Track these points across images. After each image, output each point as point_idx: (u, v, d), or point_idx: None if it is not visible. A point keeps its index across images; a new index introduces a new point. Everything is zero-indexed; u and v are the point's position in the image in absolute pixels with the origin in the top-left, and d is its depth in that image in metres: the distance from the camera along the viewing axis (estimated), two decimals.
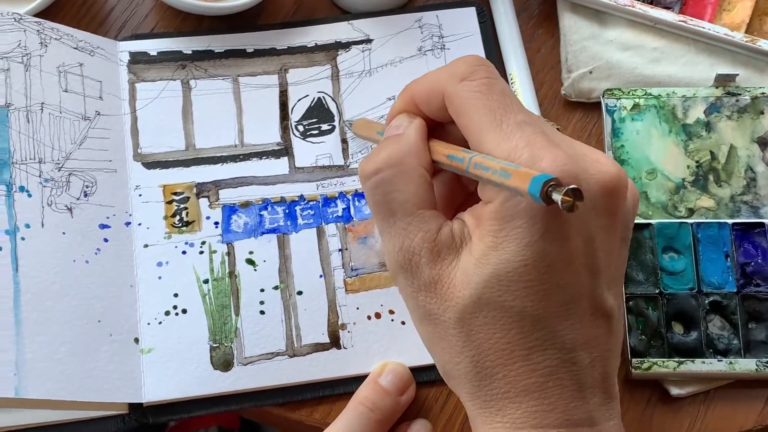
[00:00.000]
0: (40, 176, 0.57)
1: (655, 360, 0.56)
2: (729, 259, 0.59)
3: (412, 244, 0.42)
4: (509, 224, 0.39)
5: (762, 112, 0.61)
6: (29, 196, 0.56)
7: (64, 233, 0.57)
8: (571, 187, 0.36)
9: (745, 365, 0.56)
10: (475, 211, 0.42)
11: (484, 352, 0.41)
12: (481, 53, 0.65)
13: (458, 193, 0.48)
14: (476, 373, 0.42)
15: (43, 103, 0.59)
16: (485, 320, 0.41)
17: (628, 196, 0.43)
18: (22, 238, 0.55)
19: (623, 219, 0.43)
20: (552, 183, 0.36)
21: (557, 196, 0.36)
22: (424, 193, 0.43)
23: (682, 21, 0.63)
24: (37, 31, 0.60)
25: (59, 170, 0.58)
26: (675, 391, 0.57)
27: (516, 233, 0.39)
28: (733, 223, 0.59)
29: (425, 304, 0.43)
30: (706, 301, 0.58)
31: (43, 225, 0.56)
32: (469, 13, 0.66)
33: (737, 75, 0.62)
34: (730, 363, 0.56)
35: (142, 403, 0.56)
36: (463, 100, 0.42)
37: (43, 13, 0.62)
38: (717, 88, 0.62)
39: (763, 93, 0.62)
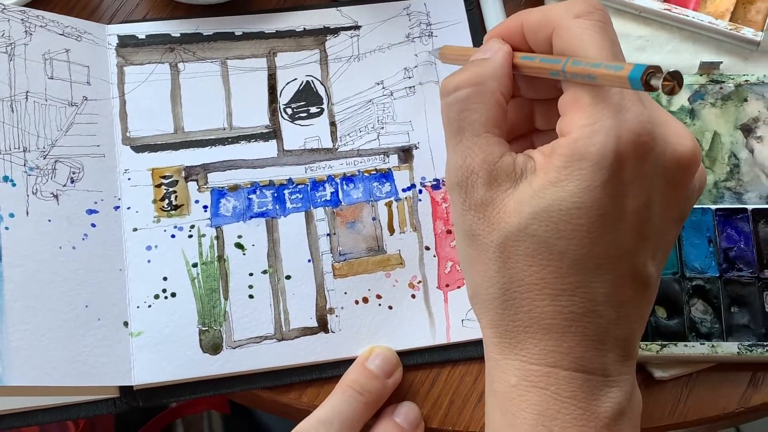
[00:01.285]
0: (24, 165, 0.54)
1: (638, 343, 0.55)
2: (712, 244, 0.56)
3: (473, 163, 0.41)
4: (575, 164, 0.38)
5: (745, 100, 0.59)
6: (13, 185, 0.53)
7: (49, 220, 0.53)
8: (671, 70, 0.35)
9: (727, 348, 0.54)
10: (545, 149, 0.40)
11: (516, 282, 0.40)
12: (469, 41, 0.62)
13: (522, 125, 0.48)
14: (503, 301, 0.41)
15: (27, 91, 0.55)
16: (525, 251, 0.39)
17: (696, 176, 0.41)
18: (6, 228, 0.52)
19: (686, 196, 0.41)
20: (651, 71, 0.35)
21: (657, 82, 0.35)
22: (496, 117, 0.42)
23: (667, 9, 0.61)
24: (21, 19, 0.57)
25: (45, 158, 0.54)
26: (658, 374, 0.55)
27: (578, 174, 0.38)
28: (716, 209, 0.57)
29: (471, 224, 0.41)
30: (689, 286, 0.56)
31: (27, 213, 0.53)
32: (457, 1, 0.63)
33: (721, 63, 0.59)
34: (713, 346, 0.54)
35: (132, 387, 0.53)
36: (574, 35, 0.40)
37: (34, 4, 0.58)
38: (701, 75, 0.60)
39: (746, 80, 0.59)
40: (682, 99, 0.59)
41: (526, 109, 0.48)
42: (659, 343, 0.54)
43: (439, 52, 0.57)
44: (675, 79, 0.35)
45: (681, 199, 0.41)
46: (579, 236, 0.39)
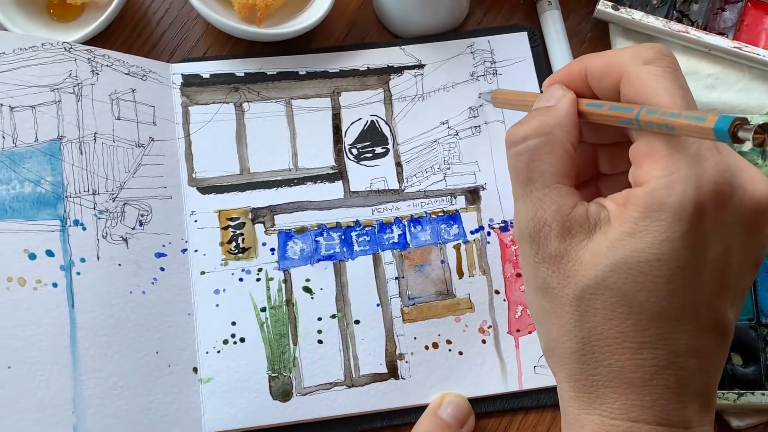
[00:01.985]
0: (94, 208, 0.53)
1: None
2: None
3: (545, 215, 0.40)
4: (653, 214, 0.37)
5: None
6: (84, 229, 0.52)
7: (119, 265, 0.53)
8: (761, 123, 0.34)
9: None
10: (618, 197, 0.39)
11: (595, 336, 0.39)
12: (533, 78, 0.61)
13: (587, 170, 0.46)
14: (582, 355, 0.39)
15: (95, 132, 0.55)
16: (604, 304, 0.38)
17: None
18: (78, 273, 0.51)
19: (763, 241, 0.40)
20: (739, 122, 0.34)
21: (745, 134, 0.33)
22: (566, 167, 0.41)
23: (737, 47, 0.60)
24: (88, 59, 0.56)
25: (114, 200, 0.54)
26: (735, 423, 0.54)
27: (657, 225, 0.37)
28: None
29: (545, 277, 0.40)
30: (765, 332, 0.54)
31: (98, 258, 0.52)
32: (521, 38, 0.62)
33: None
34: None
35: None
36: (644, 82, 0.39)
37: (94, 40, 0.58)
38: None
39: None
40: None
41: (589, 154, 0.47)
42: (736, 392, 0.53)
43: (492, 96, 0.55)
44: (766, 132, 0.34)
45: (758, 245, 0.40)
46: (659, 288, 0.37)
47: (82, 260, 0.51)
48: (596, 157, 0.47)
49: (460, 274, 0.56)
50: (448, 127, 0.60)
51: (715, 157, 0.37)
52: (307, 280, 0.55)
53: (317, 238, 0.56)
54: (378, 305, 0.55)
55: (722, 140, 0.34)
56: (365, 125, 0.60)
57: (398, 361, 0.54)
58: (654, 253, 0.37)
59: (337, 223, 0.57)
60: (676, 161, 0.37)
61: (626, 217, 0.38)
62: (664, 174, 0.37)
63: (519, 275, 0.56)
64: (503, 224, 0.57)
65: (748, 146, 0.58)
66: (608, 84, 0.42)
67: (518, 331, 0.55)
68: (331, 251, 0.56)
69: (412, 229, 0.57)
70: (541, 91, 0.45)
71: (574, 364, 0.40)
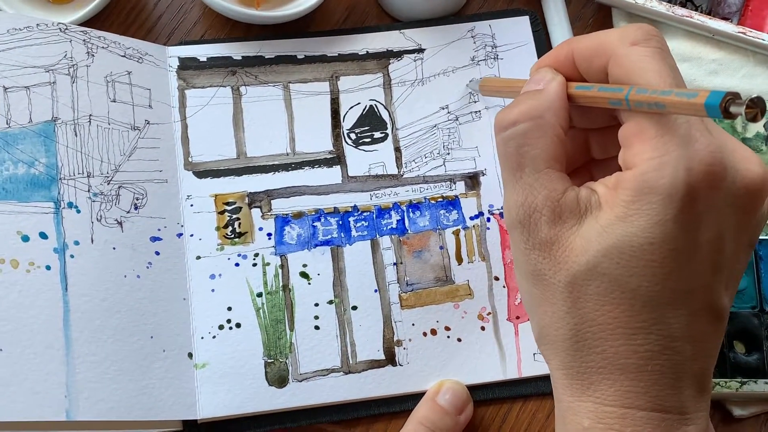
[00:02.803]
0: (89, 191, 0.52)
1: (717, 380, 0.52)
2: None
3: (535, 200, 0.39)
4: (644, 197, 0.36)
5: None
6: (78, 212, 0.51)
7: (114, 248, 0.52)
8: (753, 96, 0.32)
9: None
10: (609, 181, 0.38)
11: (588, 323, 0.38)
12: (535, 62, 0.60)
13: (579, 156, 0.45)
14: (574, 342, 0.38)
15: (90, 114, 0.53)
16: (597, 290, 0.37)
17: (765, 202, 0.39)
18: (71, 256, 0.50)
19: (756, 222, 0.39)
20: (730, 97, 0.32)
21: (737, 108, 0.32)
22: (556, 152, 0.40)
23: (741, 32, 0.58)
24: (84, 40, 0.55)
25: (108, 183, 0.53)
26: (738, 411, 0.52)
27: (648, 208, 0.36)
28: None
29: (536, 263, 0.39)
30: None
31: (92, 241, 0.51)
32: (523, 22, 0.61)
33: None
34: None
35: (196, 420, 0.51)
36: (633, 63, 0.38)
37: (90, 22, 0.56)
38: None
39: None
40: (758, 125, 0.57)
41: (580, 139, 0.46)
42: (739, 380, 0.52)
43: (479, 85, 0.54)
44: (758, 106, 0.33)
45: (751, 226, 0.39)
46: (652, 272, 0.36)
47: (76, 243, 0.50)
48: (587, 142, 0.46)
49: (459, 260, 0.55)
50: (448, 112, 0.58)
51: (706, 137, 0.36)
52: (304, 266, 0.54)
53: (314, 223, 0.55)
54: (376, 291, 0.54)
55: (714, 116, 0.33)
56: (364, 110, 0.58)
57: (396, 347, 0.53)
58: (646, 237, 0.36)
59: (334, 208, 0.56)
60: (666, 142, 0.36)
61: (617, 201, 0.37)
62: (654, 156, 0.36)
63: None
64: (503, 210, 0.56)
65: (751, 132, 0.57)
66: (597, 66, 0.41)
67: (518, 318, 0.54)
68: (329, 236, 0.55)
69: (411, 214, 0.56)
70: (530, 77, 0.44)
71: (567, 351, 0.39)
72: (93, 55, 0.55)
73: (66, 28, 0.55)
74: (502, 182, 0.56)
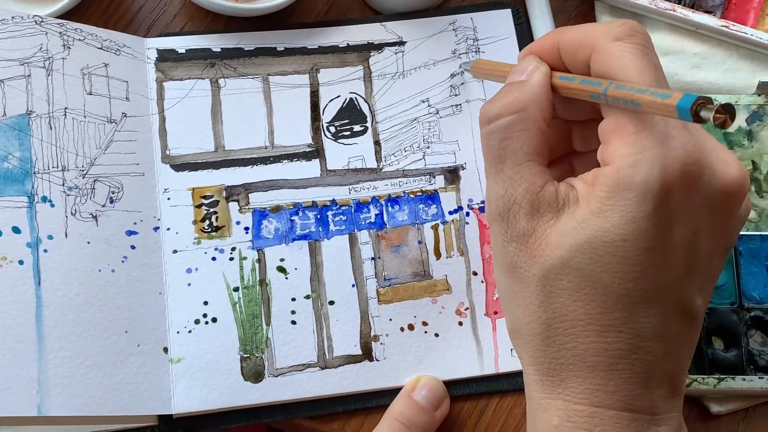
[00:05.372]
0: (63, 185, 0.51)
1: (695, 377, 0.51)
2: None
3: (515, 193, 0.38)
4: (619, 194, 0.35)
5: None
6: (52, 206, 0.50)
7: (88, 242, 0.50)
8: (723, 103, 0.32)
9: None
10: (587, 177, 0.37)
11: (559, 318, 0.37)
12: (517, 56, 0.58)
13: (560, 147, 0.44)
14: (546, 337, 0.37)
15: (66, 108, 0.52)
16: (569, 285, 0.36)
17: (742, 205, 0.38)
18: (45, 251, 0.49)
19: (732, 225, 0.38)
20: (702, 101, 0.32)
21: (707, 114, 0.32)
22: (538, 145, 0.39)
23: (725, 26, 0.57)
24: (59, 33, 0.53)
25: (84, 177, 0.51)
26: (715, 408, 0.51)
27: (623, 205, 0.35)
28: None
29: (513, 256, 0.38)
30: (747, 316, 0.52)
31: (66, 235, 0.50)
32: (505, 15, 0.59)
33: None
34: None
35: (171, 415, 0.50)
36: (614, 59, 0.37)
37: (69, 14, 0.55)
38: (759, 95, 0.56)
39: None
40: (739, 120, 0.55)
41: (563, 130, 0.44)
42: (717, 377, 0.50)
43: (472, 67, 0.53)
44: (727, 113, 0.32)
45: (728, 229, 0.38)
46: (624, 269, 0.35)
47: (50, 237, 0.49)
48: (570, 133, 0.45)
49: (438, 254, 0.54)
50: (429, 106, 0.57)
51: (683, 136, 0.35)
52: (282, 260, 0.53)
53: (292, 218, 0.54)
54: (353, 286, 0.53)
55: (684, 118, 0.33)
56: (344, 103, 0.57)
57: (373, 342, 0.52)
58: (619, 234, 0.35)
59: (313, 202, 0.54)
60: (642, 139, 0.35)
61: (593, 196, 0.36)
62: (630, 153, 0.35)
63: None
64: (482, 204, 0.55)
65: (733, 127, 0.55)
66: (580, 59, 0.39)
67: (495, 313, 0.53)
68: (307, 231, 0.54)
69: (390, 208, 0.54)
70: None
71: (538, 346, 0.38)
72: (69, 48, 0.53)
73: (42, 21, 0.53)
74: (484, 175, 0.55)
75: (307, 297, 0.52)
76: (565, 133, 0.44)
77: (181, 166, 0.54)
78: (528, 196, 0.38)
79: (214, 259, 0.53)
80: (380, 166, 0.56)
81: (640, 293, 0.36)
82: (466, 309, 0.53)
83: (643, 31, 0.38)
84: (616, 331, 0.36)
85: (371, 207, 0.54)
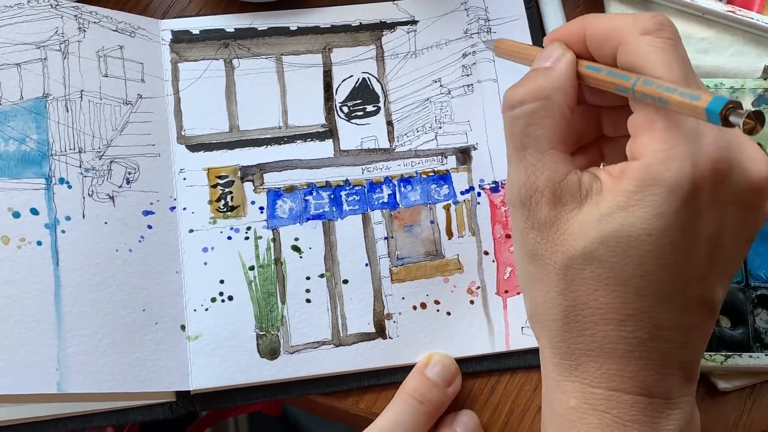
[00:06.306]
0: (80, 166, 0.51)
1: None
2: None
3: (537, 181, 0.38)
4: (647, 189, 0.35)
5: None
6: (69, 187, 0.50)
7: (106, 223, 0.50)
8: (754, 110, 0.31)
9: None
10: (613, 170, 0.37)
11: (580, 306, 0.37)
12: (528, 38, 0.58)
13: (589, 132, 0.44)
14: (565, 323, 0.38)
15: (82, 90, 0.52)
16: (591, 275, 0.36)
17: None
18: (63, 231, 0.49)
19: (757, 219, 0.38)
20: (731, 106, 0.32)
21: (736, 119, 0.31)
22: (562, 133, 0.38)
23: (731, 11, 0.56)
24: (75, 15, 0.53)
25: (100, 158, 0.51)
26: (722, 385, 0.52)
27: (651, 200, 0.35)
28: None
29: (534, 243, 0.38)
30: (754, 295, 0.52)
31: (84, 216, 0.50)
32: None
33: None
34: None
35: (189, 391, 0.50)
36: (641, 53, 0.36)
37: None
38: (765, 79, 0.56)
39: None
40: (746, 104, 0.55)
41: (592, 115, 0.44)
42: (724, 354, 0.51)
43: (495, 45, 0.52)
44: (757, 119, 0.32)
45: (752, 223, 0.38)
46: (648, 263, 0.36)
47: (68, 218, 0.49)
48: (600, 119, 0.44)
49: (450, 234, 0.54)
50: (441, 86, 0.57)
51: (714, 133, 0.35)
52: (296, 239, 0.53)
53: (306, 197, 0.54)
54: (366, 265, 0.53)
55: (713, 122, 0.32)
56: (357, 83, 0.57)
57: (386, 320, 0.52)
58: (645, 228, 0.35)
59: (326, 182, 0.54)
60: (673, 135, 0.35)
61: (620, 189, 0.36)
62: (661, 148, 0.35)
63: (508, 236, 0.54)
64: (494, 185, 0.55)
65: None
66: (607, 50, 0.39)
67: (506, 292, 0.53)
68: (320, 210, 0.54)
69: (402, 188, 0.55)
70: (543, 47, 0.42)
71: (557, 332, 0.38)
72: (84, 31, 0.53)
73: (57, 4, 0.53)
74: (498, 157, 0.55)
75: (322, 276, 0.53)
76: (595, 119, 0.44)
77: (197, 146, 0.54)
78: (550, 185, 0.37)
79: (229, 238, 0.53)
80: (393, 147, 0.56)
81: (663, 286, 0.36)
82: (478, 288, 0.53)
83: (671, 24, 0.37)
84: (635, 321, 0.36)
85: (384, 187, 0.55)
